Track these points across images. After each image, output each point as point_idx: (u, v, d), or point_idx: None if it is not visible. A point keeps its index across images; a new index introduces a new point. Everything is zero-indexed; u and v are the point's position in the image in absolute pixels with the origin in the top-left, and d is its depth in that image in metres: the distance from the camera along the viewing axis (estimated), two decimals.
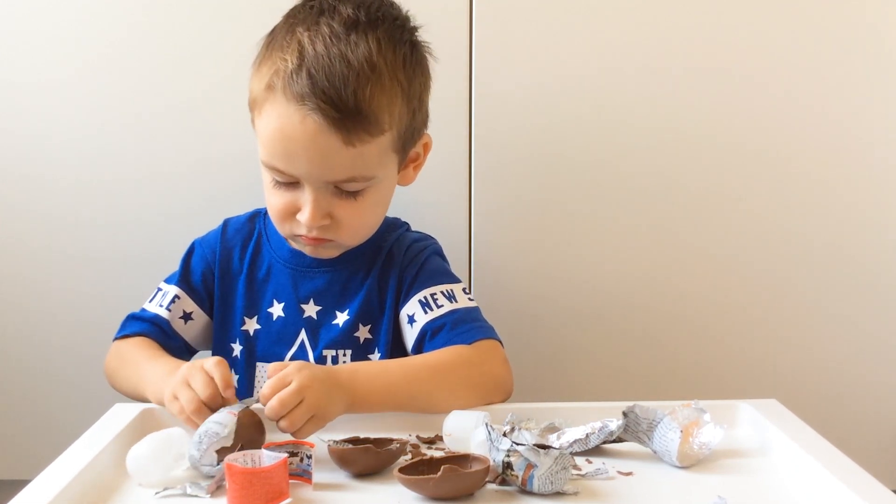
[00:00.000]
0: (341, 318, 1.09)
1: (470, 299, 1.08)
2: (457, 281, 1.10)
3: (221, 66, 1.23)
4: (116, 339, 1.11)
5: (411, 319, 1.06)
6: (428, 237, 1.17)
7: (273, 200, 1.03)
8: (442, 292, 1.07)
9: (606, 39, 1.24)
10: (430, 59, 1.08)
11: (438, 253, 1.15)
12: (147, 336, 1.09)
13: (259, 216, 1.17)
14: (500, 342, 1.05)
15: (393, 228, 1.15)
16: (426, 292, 1.07)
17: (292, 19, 1.01)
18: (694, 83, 1.25)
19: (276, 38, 1.01)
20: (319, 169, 0.98)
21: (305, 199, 1.00)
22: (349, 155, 0.97)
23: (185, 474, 0.83)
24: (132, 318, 1.12)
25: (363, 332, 1.09)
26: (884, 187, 1.28)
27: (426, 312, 1.05)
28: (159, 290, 1.13)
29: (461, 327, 1.03)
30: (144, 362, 1.03)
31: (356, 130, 0.96)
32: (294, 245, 1.10)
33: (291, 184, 1.01)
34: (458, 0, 1.22)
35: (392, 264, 1.10)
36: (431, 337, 1.04)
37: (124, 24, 1.23)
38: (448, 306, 1.05)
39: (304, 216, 1.01)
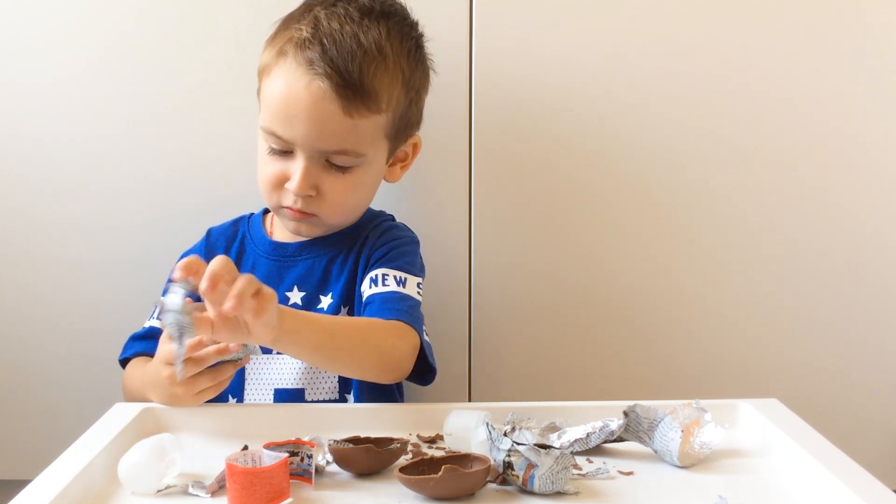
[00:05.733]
0: (325, 302, 1.12)
1: (419, 294, 1.09)
2: (416, 274, 1.11)
3: (222, 68, 1.23)
4: (120, 359, 1.12)
5: (360, 294, 1.09)
6: (408, 230, 1.19)
7: (265, 169, 1.09)
8: (394, 276, 1.09)
9: (607, 40, 1.24)
10: (432, 71, 1.15)
11: (414, 244, 1.16)
12: (144, 353, 1.10)
13: (243, 220, 1.20)
14: (421, 335, 1.03)
15: (375, 218, 1.19)
16: (380, 271, 1.09)
17: (311, 1, 1.09)
18: (694, 84, 1.25)
19: (292, 16, 1.09)
20: (316, 134, 1.04)
21: (296, 168, 1.06)
22: (345, 126, 1.04)
23: (177, 480, 0.83)
24: (132, 339, 1.13)
25: (343, 313, 1.12)
26: (883, 188, 1.28)
27: (370, 287, 1.07)
28: (155, 306, 1.15)
29: (391, 305, 1.05)
30: (142, 374, 1.04)
31: (356, 103, 1.03)
32: (280, 220, 1.13)
33: (285, 153, 1.07)
34: (458, 0, 1.22)
35: (365, 247, 1.14)
36: (365, 308, 1.06)
37: (123, 27, 1.23)
38: (392, 287, 1.07)
39: (292, 184, 1.06)
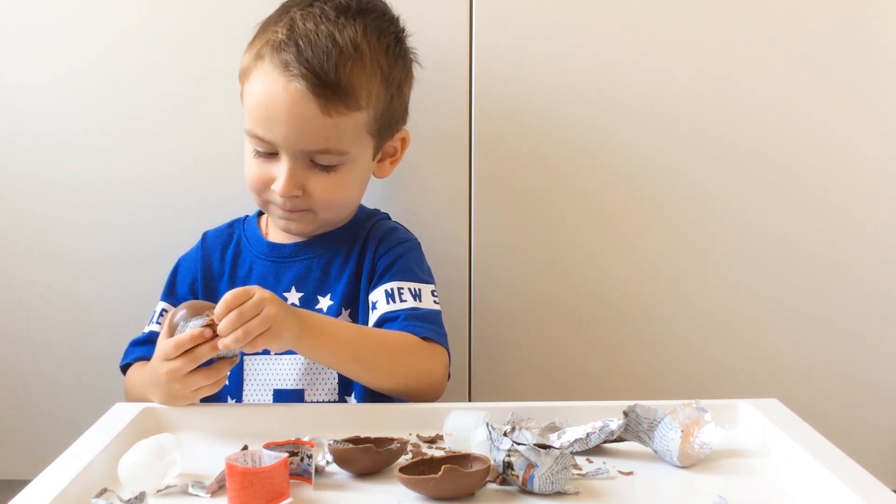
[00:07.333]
0: (324, 302, 1.12)
1: (435, 302, 1.10)
2: (428, 282, 1.12)
3: (221, 68, 1.22)
4: (121, 366, 1.12)
5: (374, 306, 1.09)
6: (408, 231, 1.19)
7: (251, 171, 1.09)
8: (409, 289, 1.09)
9: (607, 39, 1.24)
10: (416, 65, 1.15)
11: (418, 249, 1.17)
12: (144, 358, 1.10)
13: (238, 222, 1.21)
14: (449, 353, 1.07)
15: (371, 216, 1.18)
16: (395, 284, 1.09)
17: (288, 3, 1.10)
18: (694, 84, 1.25)
19: (270, 19, 1.11)
20: (296, 135, 1.04)
21: (280, 170, 1.06)
22: (325, 125, 1.04)
23: (177, 480, 0.83)
24: (132, 345, 1.13)
25: (344, 316, 1.12)
26: (882, 189, 1.28)
27: (388, 303, 1.07)
28: (154, 310, 1.15)
29: (417, 322, 1.06)
30: (142, 375, 1.04)
31: (334, 101, 1.03)
32: (270, 218, 1.14)
33: (270, 155, 1.07)
34: (458, 0, 1.22)
35: (367, 248, 1.13)
36: (383, 324, 1.07)
37: (122, 26, 1.23)
38: (411, 303, 1.08)
39: (277, 185, 1.06)
